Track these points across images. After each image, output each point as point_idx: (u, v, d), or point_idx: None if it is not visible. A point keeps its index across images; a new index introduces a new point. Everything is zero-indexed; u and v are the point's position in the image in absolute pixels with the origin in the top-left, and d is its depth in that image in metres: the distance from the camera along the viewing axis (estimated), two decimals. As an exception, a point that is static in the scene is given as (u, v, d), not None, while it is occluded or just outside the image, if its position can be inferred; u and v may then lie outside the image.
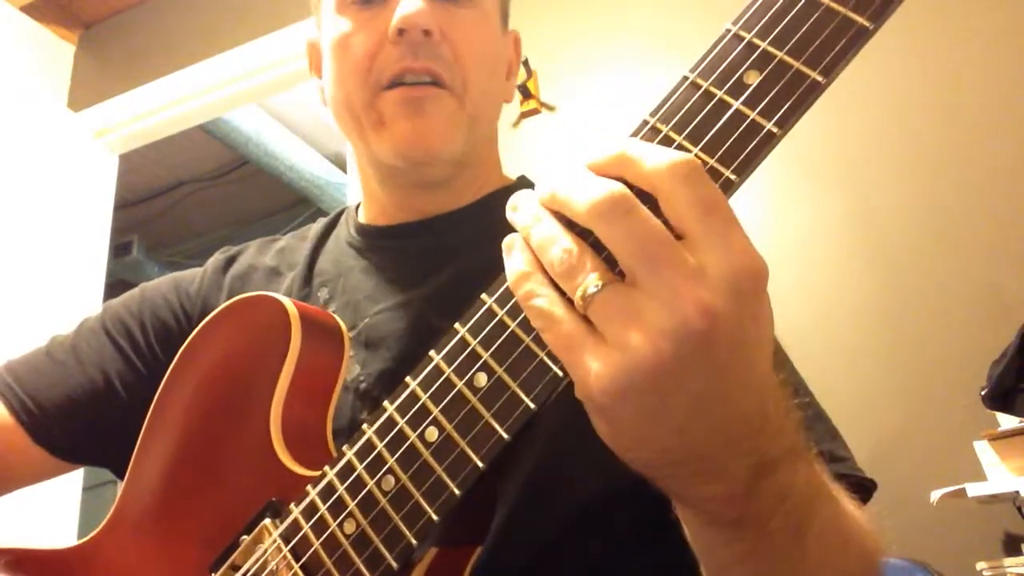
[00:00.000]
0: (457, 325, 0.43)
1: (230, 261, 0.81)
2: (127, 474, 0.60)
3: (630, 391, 0.33)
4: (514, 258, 0.38)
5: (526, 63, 2.00)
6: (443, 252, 0.72)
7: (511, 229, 0.69)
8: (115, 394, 0.73)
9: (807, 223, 1.65)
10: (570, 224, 0.36)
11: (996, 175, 1.52)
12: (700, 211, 0.33)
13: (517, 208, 0.39)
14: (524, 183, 0.80)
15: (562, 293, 0.36)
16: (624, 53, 1.97)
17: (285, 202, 4.30)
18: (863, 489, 0.58)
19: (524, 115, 2.03)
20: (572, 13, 2.06)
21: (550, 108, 2.02)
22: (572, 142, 1.95)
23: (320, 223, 0.85)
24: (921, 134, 1.61)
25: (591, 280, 0.34)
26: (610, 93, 1.95)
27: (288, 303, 0.58)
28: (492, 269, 0.64)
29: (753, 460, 0.37)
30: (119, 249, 3.93)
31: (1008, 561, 1.19)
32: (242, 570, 0.51)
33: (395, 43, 0.67)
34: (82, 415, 0.72)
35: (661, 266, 0.33)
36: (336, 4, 0.72)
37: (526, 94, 2.02)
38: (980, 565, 1.19)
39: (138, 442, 0.61)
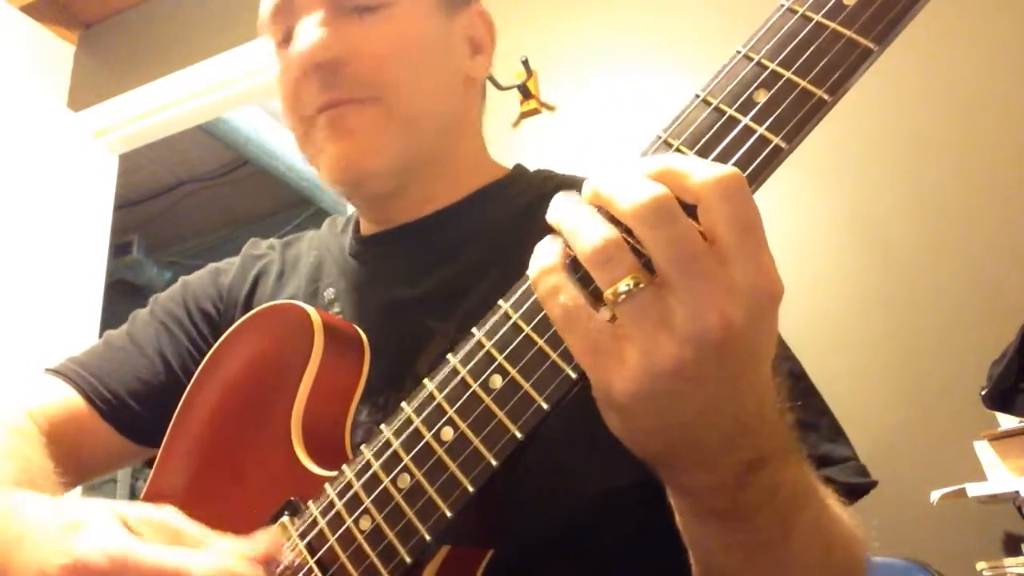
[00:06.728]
0: (474, 329, 0.44)
1: (257, 258, 0.85)
2: (151, 473, 0.62)
3: (651, 394, 0.36)
4: (542, 251, 0.39)
5: (526, 63, 2.00)
6: (434, 253, 0.72)
7: (504, 224, 0.70)
8: (174, 376, 0.76)
9: (807, 222, 1.66)
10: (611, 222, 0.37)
11: (996, 174, 1.53)
12: (739, 228, 0.35)
13: (557, 205, 0.39)
14: (521, 172, 0.80)
15: (587, 292, 0.37)
16: (624, 53, 1.97)
17: (285, 202, 4.30)
18: (855, 492, 0.59)
19: (524, 115, 2.03)
20: (573, 13, 2.07)
21: (550, 108, 2.02)
22: (572, 142, 1.95)
23: (327, 225, 0.86)
24: (921, 133, 1.62)
25: (628, 276, 0.35)
26: (610, 93, 1.95)
27: (313, 312, 0.60)
28: (485, 266, 0.65)
29: (746, 456, 0.39)
30: (119, 249, 3.92)
31: (1008, 561, 1.20)
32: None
33: (308, 78, 0.67)
34: (149, 397, 0.75)
35: (696, 275, 0.34)
36: (274, 46, 0.74)
37: (526, 94, 2.02)
38: (980, 565, 1.20)
39: (164, 442, 0.63)
